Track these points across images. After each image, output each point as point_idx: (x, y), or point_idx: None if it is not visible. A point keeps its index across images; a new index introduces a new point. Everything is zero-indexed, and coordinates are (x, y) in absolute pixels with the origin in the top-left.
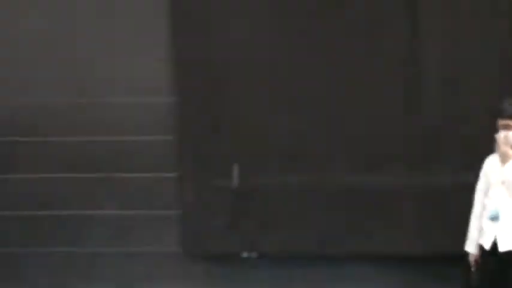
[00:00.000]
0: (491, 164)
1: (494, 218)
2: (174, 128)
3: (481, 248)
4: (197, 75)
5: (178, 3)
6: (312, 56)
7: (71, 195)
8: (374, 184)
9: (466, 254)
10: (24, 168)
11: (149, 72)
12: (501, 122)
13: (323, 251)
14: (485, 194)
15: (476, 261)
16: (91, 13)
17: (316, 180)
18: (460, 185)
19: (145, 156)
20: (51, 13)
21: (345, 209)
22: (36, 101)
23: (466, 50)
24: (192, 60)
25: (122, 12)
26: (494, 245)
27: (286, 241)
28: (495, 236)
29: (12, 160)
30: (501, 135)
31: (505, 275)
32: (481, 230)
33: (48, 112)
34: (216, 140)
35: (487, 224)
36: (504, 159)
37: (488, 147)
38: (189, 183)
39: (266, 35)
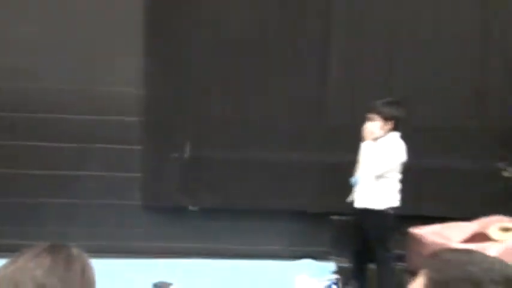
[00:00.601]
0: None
1: (354, 184)
2: (142, 111)
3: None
4: (162, 70)
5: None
6: (252, 55)
7: (65, 160)
8: (290, 158)
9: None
10: (38, 138)
11: (125, 68)
12: (368, 114)
13: (250, 207)
14: None
15: None
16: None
17: (248, 154)
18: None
19: (119, 132)
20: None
21: (268, 176)
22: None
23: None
24: (157, 59)
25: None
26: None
27: (222, 198)
28: (354, 197)
29: (29, 131)
30: (364, 125)
31: (360, 228)
32: None
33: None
34: (173, 122)
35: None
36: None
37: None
38: (151, 154)
39: (220, 37)
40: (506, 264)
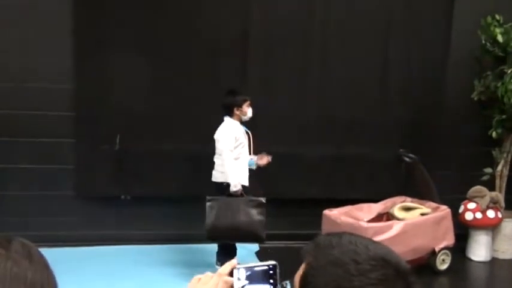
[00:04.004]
0: None
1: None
2: (74, 106)
3: None
4: (91, 68)
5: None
6: (175, 55)
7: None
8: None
9: None
10: None
11: (55, 65)
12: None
13: (175, 194)
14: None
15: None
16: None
17: (170, 147)
18: None
19: (53, 127)
20: None
21: (190, 167)
22: None
23: None
24: (88, 57)
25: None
26: None
27: (150, 188)
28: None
29: None
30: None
31: None
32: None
33: None
34: (104, 117)
35: None
36: None
37: None
38: (84, 146)
39: (145, 37)
40: (371, 246)
